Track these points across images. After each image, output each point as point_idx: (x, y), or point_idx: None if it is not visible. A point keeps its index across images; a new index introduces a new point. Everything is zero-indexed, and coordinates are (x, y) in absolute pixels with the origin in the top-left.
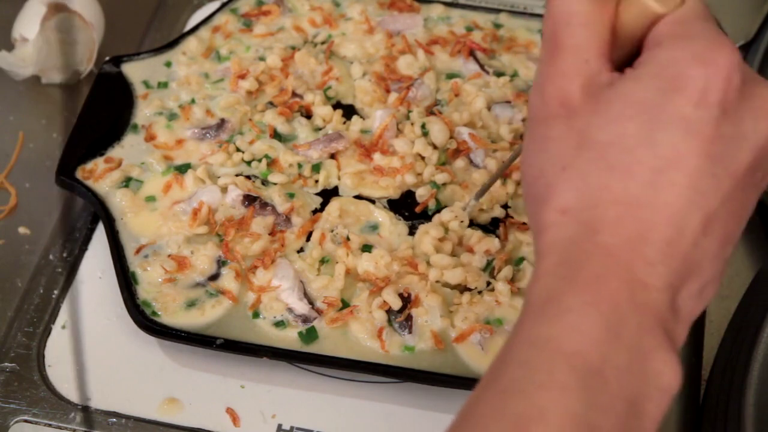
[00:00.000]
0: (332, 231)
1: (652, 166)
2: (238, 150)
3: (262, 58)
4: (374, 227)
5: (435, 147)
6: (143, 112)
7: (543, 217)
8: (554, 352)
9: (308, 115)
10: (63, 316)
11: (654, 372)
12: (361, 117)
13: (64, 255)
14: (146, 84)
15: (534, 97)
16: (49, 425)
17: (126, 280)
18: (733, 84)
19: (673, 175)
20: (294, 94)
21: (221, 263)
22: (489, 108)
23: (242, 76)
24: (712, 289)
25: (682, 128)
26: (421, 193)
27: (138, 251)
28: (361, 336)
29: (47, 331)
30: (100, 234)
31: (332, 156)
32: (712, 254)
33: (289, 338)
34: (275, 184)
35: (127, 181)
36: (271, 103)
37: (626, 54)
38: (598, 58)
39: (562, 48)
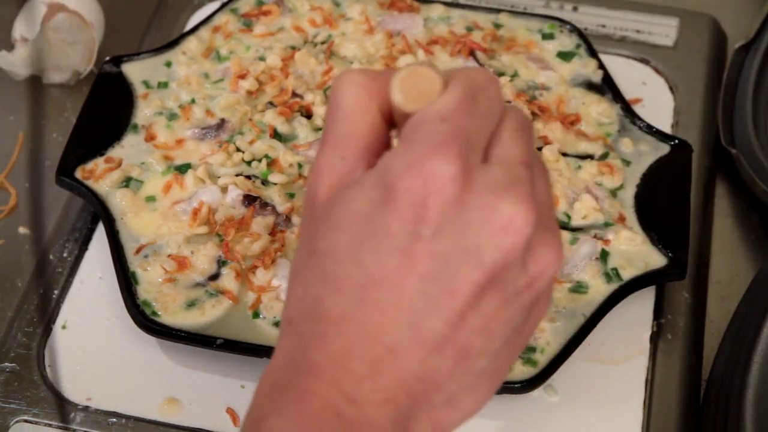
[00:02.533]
0: None
1: (358, 282)
2: (238, 150)
3: (262, 58)
4: None
5: None
6: (143, 112)
7: (281, 324)
8: None
9: (308, 115)
10: (63, 316)
11: None
12: None
13: (64, 255)
14: (146, 84)
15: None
16: (49, 425)
17: (126, 280)
18: (446, 197)
19: (379, 294)
20: (294, 94)
21: (221, 263)
22: None
23: (242, 76)
24: (469, 398)
25: (389, 245)
26: None
27: (138, 251)
28: None
29: (47, 331)
30: (100, 234)
31: None
32: (446, 371)
33: None
34: (275, 184)
35: (127, 181)
36: (271, 103)
37: None
38: (356, 153)
39: (325, 142)
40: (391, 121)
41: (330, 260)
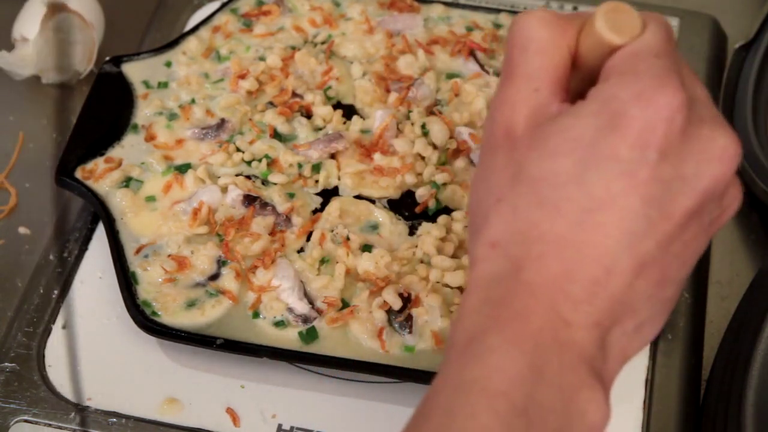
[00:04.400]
0: (332, 231)
1: (582, 205)
2: (238, 150)
3: (262, 58)
4: (374, 227)
5: (435, 147)
6: (143, 112)
7: (475, 250)
8: (477, 395)
9: (308, 115)
10: (63, 316)
11: (579, 410)
12: (361, 117)
13: (64, 255)
14: (146, 84)
15: (486, 122)
16: (49, 425)
17: (126, 280)
18: (675, 125)
19: (603, 216)
20: (294, 94)
21: (221, 263)
22: (489, 108)
23: (242, 76)
24: (652, 327)
25: (616, 169)
26: (421, 193)
27: (138, 251)
28: (361, 336)
29: (47, 331)
30: (100, 234)
31: (332, 156)
32: (646, 295)
33: (289, 338)
34: (275, 184)
35: (127, 181)
36: (271, 103)
37: (588, 84)
38: (549, 87)
39: (515, 75)
40: (574, 58)
41: (547, 185)
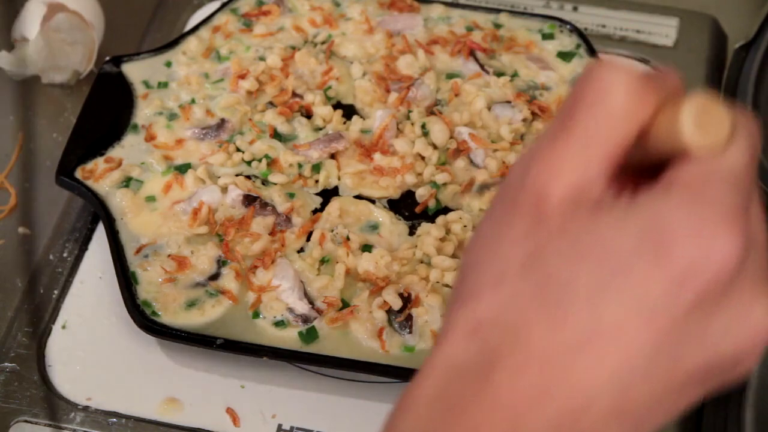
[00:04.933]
0: (332, 231)
1: (589, 326)
2: (238, 150)
3: (262, 58)
4: (374, 227)
5: (435, 147)
6: (143, 112)
7: (453, 320)
8: None
9: (308, 115)
10: (63, 316)
11: None
12: (361, 117)
13: (64, 255)
14: (146, 84)
15: (518, 168)
16: (49, 425)
17: (126, 280)
18: (722, 278)
19: (605, 346)
20: (294, 94)
21: (221, 263)
22: (489, 108)
23: (242, 76)
24: None
25: (641, 303)
26: (421, 193)
27: (138, 251)
28: (361, 336)
29: (47, 331)
30: (100, 234)
31: (332, 156)
32: None
33: (289, 338)
34: (275, 184)
35: (127, 181)
36: (271, 103)
37: (649, 159)
38: (604, 163)
39: (571, 133)
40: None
41: (561, 287)
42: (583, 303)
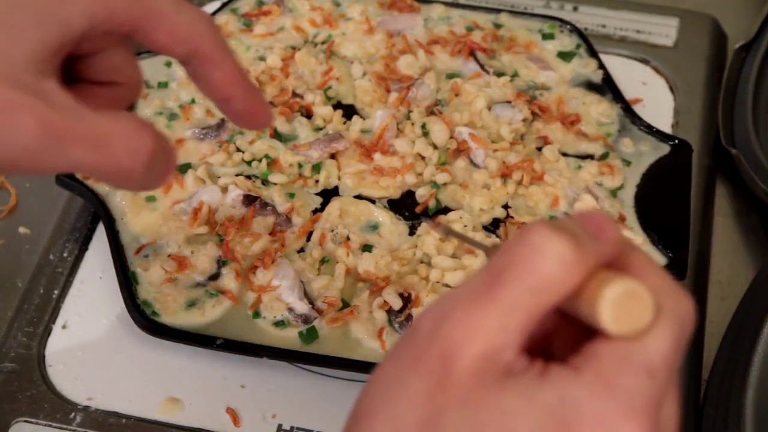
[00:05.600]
0: (332, 231)
1: None
2: (238, 150)
3: (262, 58)
4: (374, 227)
5: (435, 147)
6: (143, 112)
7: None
8: None
9: (308, 115)
10: (63, 316)
11: None
12: (362, 117)
13: (64, 255)
14: (146, 84)
15: (431, 318)
16: (49, 425)
17: (126, 280)
18: None
19: None
20: (294, 94)
21: (221, 263)
22: (489, 108)
23: None
24: None
25: None
26: (422, 193)
27: (138, 251)
28: (362, 336)
29: (47, 331)
30: (100, 234)
31: (332, 156)
32: None
33: (289, 338)
34: (275, 184)
35: None
36: (271, 103)
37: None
38: (520, 333)
39: (493, 298)
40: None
41: None
42: None
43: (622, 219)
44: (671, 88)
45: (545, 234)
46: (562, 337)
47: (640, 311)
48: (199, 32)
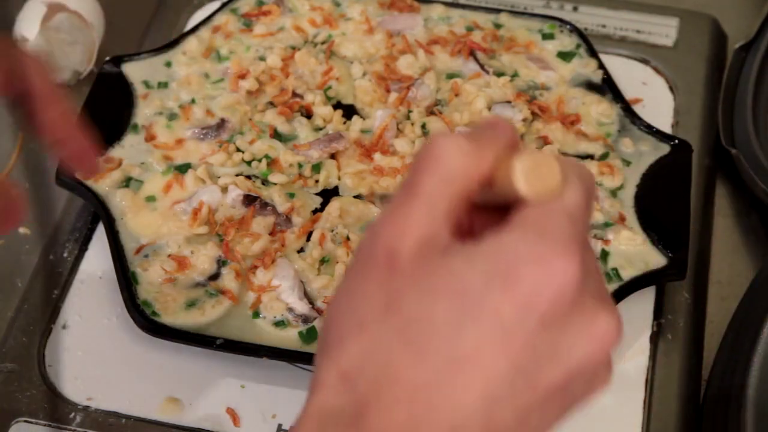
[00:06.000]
0: (332, 231)
1: (448, 356)
2: (238, 150)
3: (262, 58)
4: None
5: None
6: (143, 112)
7: (321, 372)
8: None
9: (308, 115)
10: (63, 316)
11: None
12: (362, 117)
13: (64, 255)
14: (146, 84)
15: (369, 232)
16: (49, 425)
17: (126, 280)
18: (564, 296)
19: (467, 373)
20: (294, 94)
21: (221, 263)
22: (489, 108)
23: (242, 76)
24: None
25: (494, 328)
26: None
27: (138, 251)
28: None
29: (47, 331)
30: (100, 234)
31: (332, 156)
32: None
33: (289, 338)
34: (275, 184)
35: (127, 181)
36: (271, 103)
37: (498, 201)
38: (447, 218)
39: (414, 196)
40: (483, 187)
41: (419, 326)
42: (442, 336)
43: (622, 219)
44: (671, 88)
45: (442, 136)
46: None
47: (549, 175)
48: (31, 73)
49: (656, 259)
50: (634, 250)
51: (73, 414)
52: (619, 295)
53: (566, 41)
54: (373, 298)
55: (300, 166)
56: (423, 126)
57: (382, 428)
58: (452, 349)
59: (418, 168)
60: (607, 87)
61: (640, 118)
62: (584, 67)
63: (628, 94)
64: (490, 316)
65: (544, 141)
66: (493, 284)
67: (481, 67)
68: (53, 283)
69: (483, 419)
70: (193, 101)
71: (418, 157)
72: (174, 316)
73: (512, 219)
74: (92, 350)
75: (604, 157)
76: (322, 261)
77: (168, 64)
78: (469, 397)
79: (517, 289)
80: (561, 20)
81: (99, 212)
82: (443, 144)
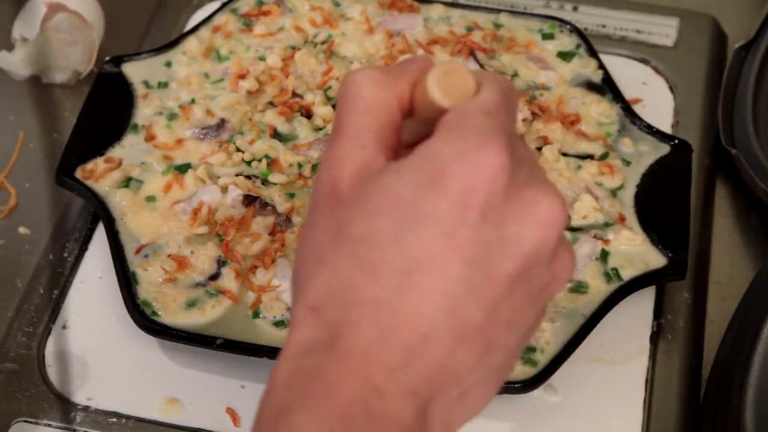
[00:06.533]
0: None
1: (400, 266)
2: (238, 150)
3: (262, 58)
4: None
5: None
6: (143, 112)
7: (294, 312)
8: None
9: (308, 115)
10: (63, 316)
11: None
12: None
13: (64, 255)
14: (146, 84)
15: (314, 181)
16: (49, 425)
17: (126, 280)
18: (497, 186)
19: (422, 278)
20: (294, 94)
21: (221, 263)
22: None
23: (242, 76)
24: (480, 395)
25: (436, 229)
26: None
27: (138, 251)
28: None
29: (47, 331)
30: (100, 234)
31: None
32: (469, 363)
33: None
34: (275, 184)
35: (127, 181)
36: (271, 103)
37: (428, 130)
38: (376, 144)
39: (342, 133)
40: (406, 115)
41: (366, 246)
42: (389, 249)
43: (622, 219)
44: (671, 88)
45: (355, 72)
46: None
47: (462, 83)
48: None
49: (656, 259)
50: (634, 250)
51: (73, 414)
52: (619, 295)
53: (566, 41)
54: (325, 232)
55: (300, 166)
56: None
57: (356, 347)
58: (402, 260)
59: (340, 108)
60: (607, 87)
61: (640, 118)
62: (584, 67)
63: (628, 94)
64: (428, 220)
65: (544, 141)
66: (424, 189)
67: (481, 67)
68: (53, 283)
69: (449, 320)
70: (193, 101)
71: (338, 97)
72: (174, 316)
73: (436, 127)
74: (92, 350)
75: (604, 157)
76: None
77: (168, 64)
78: (430, 302)
79: (448, 188)
80: (561, 20)
81: (99, 212)
82: (357, 80)
